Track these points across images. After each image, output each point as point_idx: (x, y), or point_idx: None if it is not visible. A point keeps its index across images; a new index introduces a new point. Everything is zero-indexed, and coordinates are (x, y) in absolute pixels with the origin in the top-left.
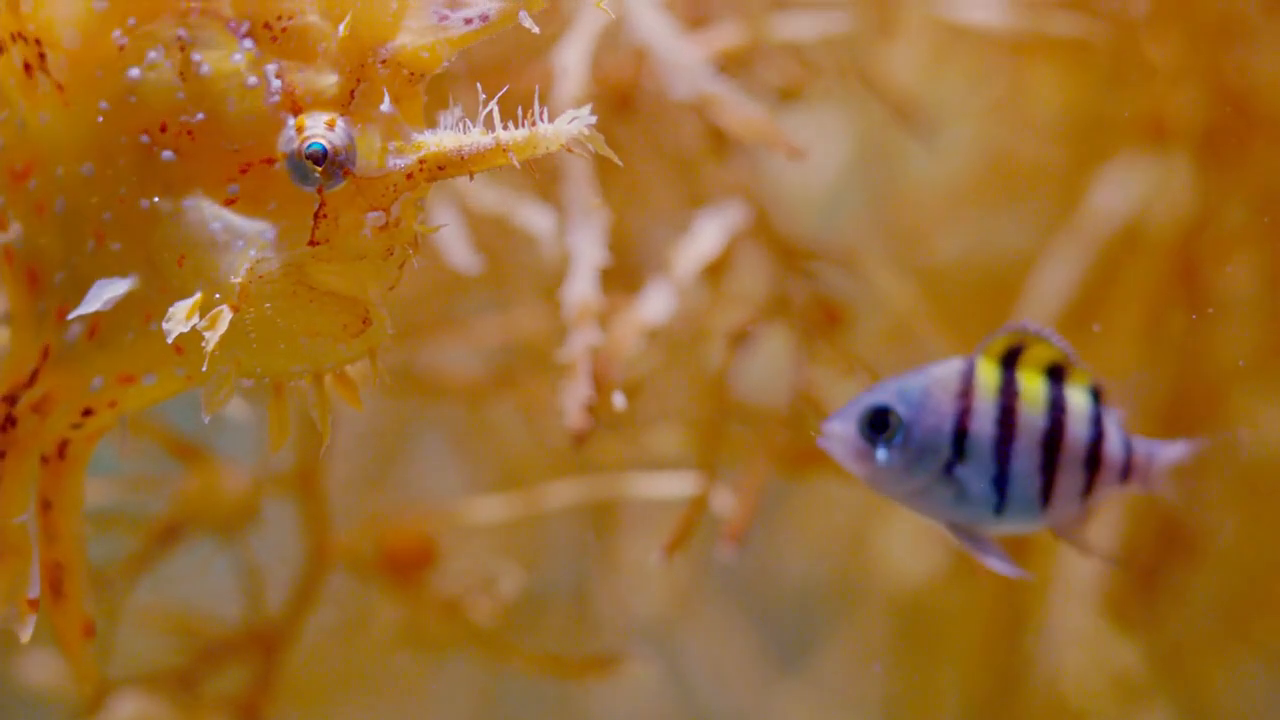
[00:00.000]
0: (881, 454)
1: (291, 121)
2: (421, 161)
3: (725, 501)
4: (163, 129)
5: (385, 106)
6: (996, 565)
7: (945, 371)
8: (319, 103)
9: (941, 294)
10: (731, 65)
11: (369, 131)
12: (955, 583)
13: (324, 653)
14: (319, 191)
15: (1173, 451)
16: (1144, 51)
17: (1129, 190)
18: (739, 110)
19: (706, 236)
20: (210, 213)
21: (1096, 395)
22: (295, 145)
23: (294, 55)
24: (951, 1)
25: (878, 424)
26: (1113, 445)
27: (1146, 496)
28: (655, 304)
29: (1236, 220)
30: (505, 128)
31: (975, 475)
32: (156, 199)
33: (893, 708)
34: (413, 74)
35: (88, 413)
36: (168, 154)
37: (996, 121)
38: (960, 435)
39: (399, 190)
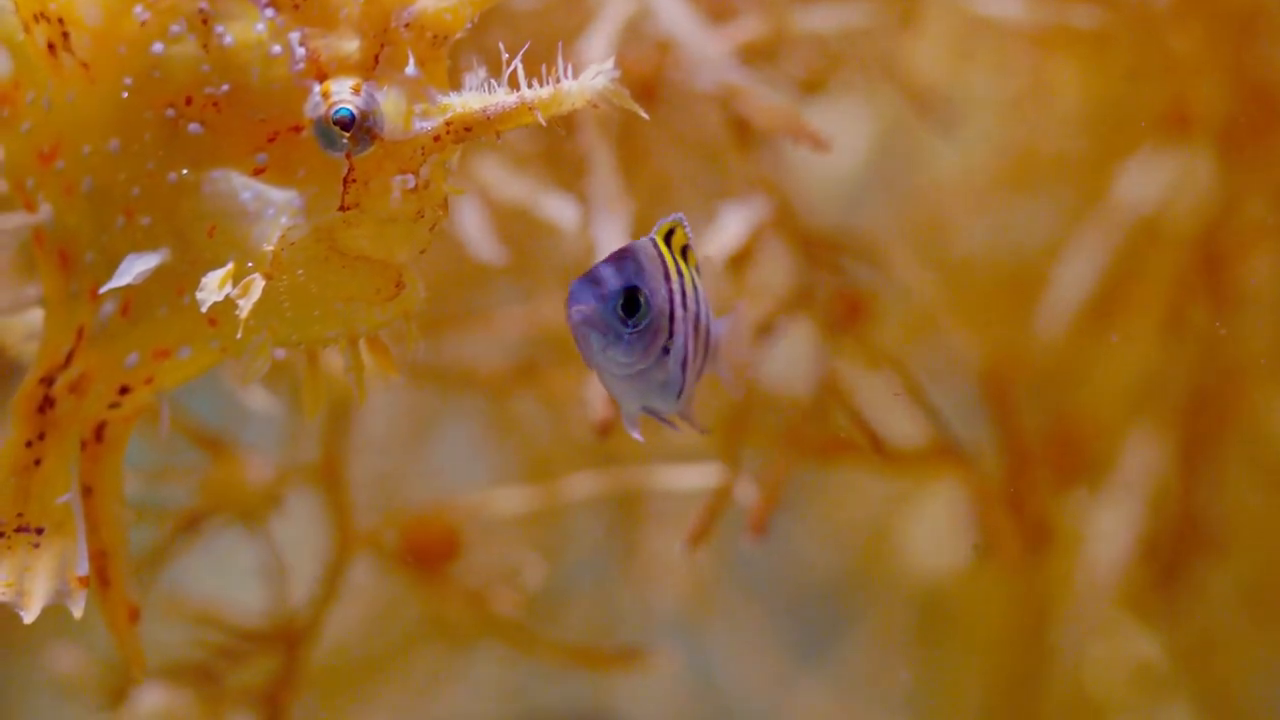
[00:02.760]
0: (627, 336)
1: (317, 88)
2: (448, 123)
3: (749, 492)
4: (188, 102)
5: (410, 70)
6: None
7: (651, 252)
8: (344, 68)
9: (963, 286)
10: (754, 57)
11: (395, 95)
12: (977, 575)
13: (348, 644)
14: (347, 157)
15: (741, 322)
16: (1166, 44)
17: (1151, 183)
18: (763, 101)
19: (730, 229)
20: (239, 183)
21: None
22: (322, 111)
23: (316, 22)
24: None
25: (629, 305)
26: (715, 325)
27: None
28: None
29: (1258, 213)
30: (530, 87)
31: (676, 357)
32: (184, 171)
33: (915, 699)
34: (436, 37)
35: (124, 390)
36: (194, 126)
37: (1018, 114)
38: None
39: (427, 153)
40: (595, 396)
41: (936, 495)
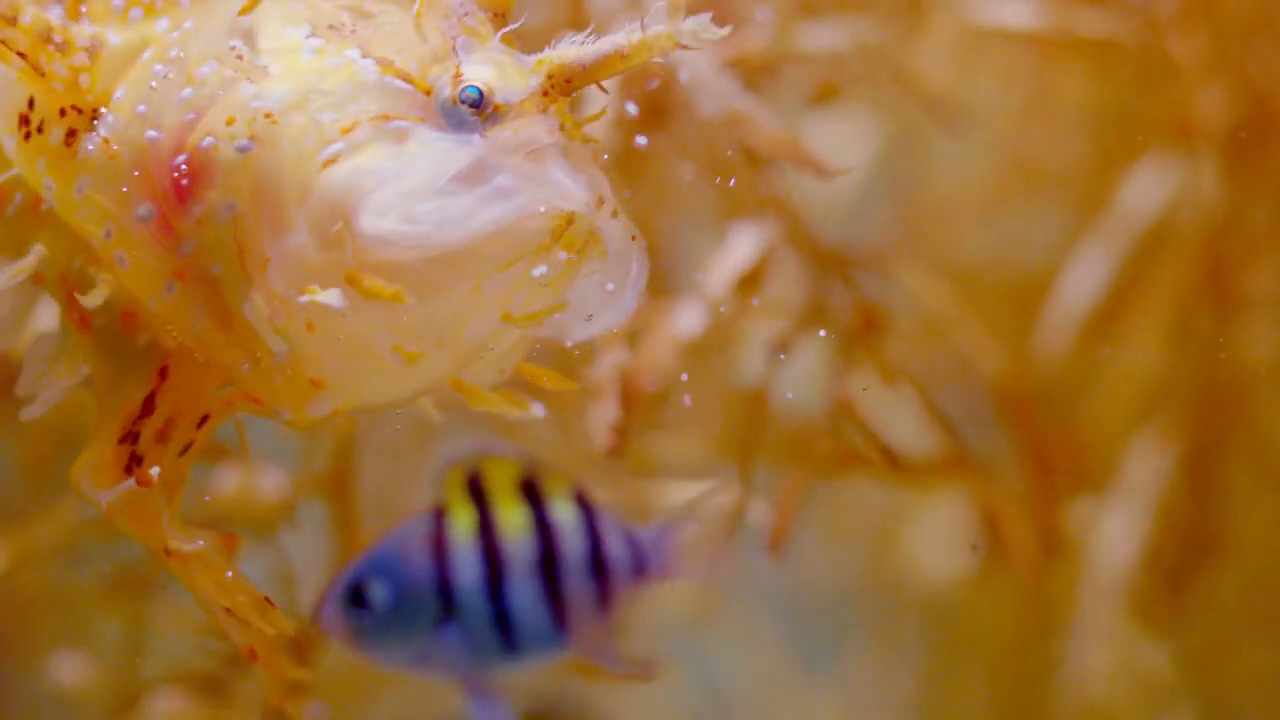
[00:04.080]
0: (367, 626)
1: (445, 77)
2: (550, 76)
3: (763, 511)
4: (229, 123)
5: (494, 43)
6: (493, 714)
7: (416, 527)
8: (429, 63)
9: (969, 294)
10: (760, 69)
11: (493, 64)
12: (983, 584)
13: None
14: (482, 135)
15: (683, 533)
16: (1170, 52)
17: (1156, 191)
18: (766, 128)
19: (740, 249)
20: (339, 173)
21: (582, 499)
22: (448, 94)
23: (375, 37)
24: (980, 2)
25: (357, 598)
26: (615, 547)
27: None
28: (689, 319)
29: (1263, 220)
30: None
31: (470, 626)
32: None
33: (921, 708)
34: (495, 14)
35: (203, 421)
36: (244, 144)
37: (1024, 121)
38: (444, 589)
39: (543, 109)
40: (599, 427)
41: (942, 503)
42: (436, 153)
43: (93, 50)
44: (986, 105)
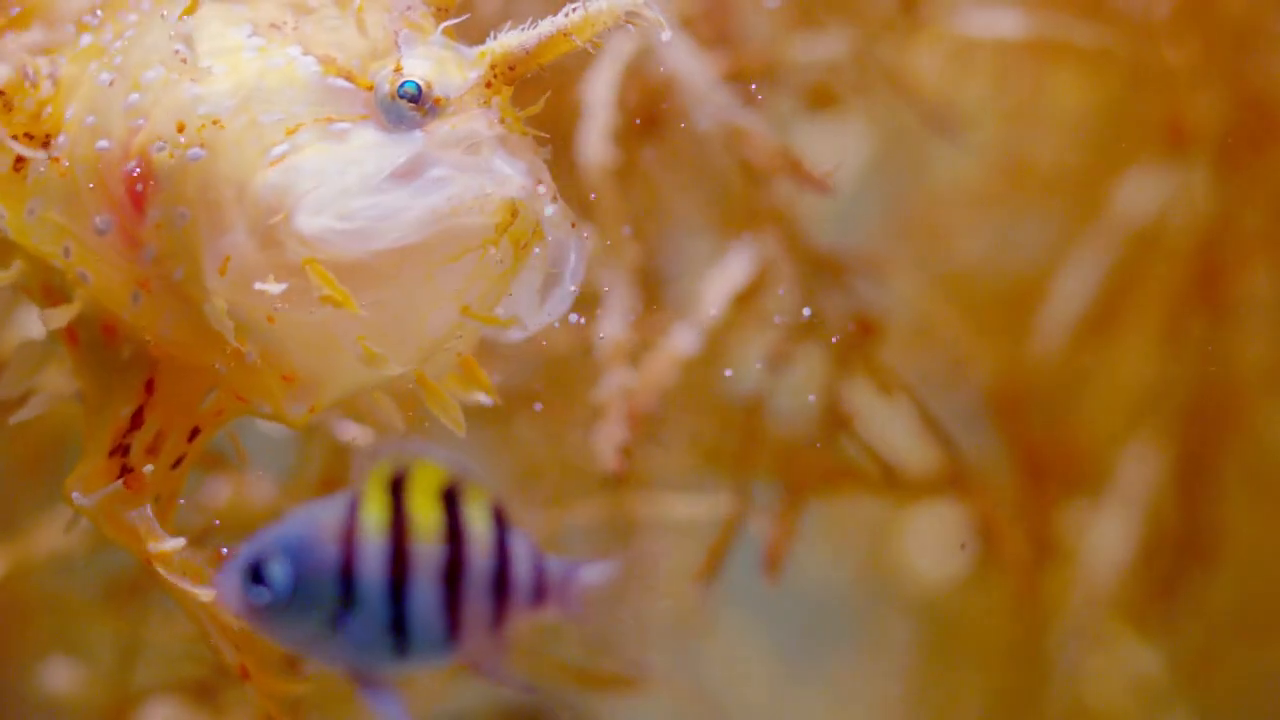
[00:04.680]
0: (265, 606)
1: (386, 73)
2: (493, 66)
3: (760, 523)
4: (180, 129)
5: (436, 36)
6: (386, 711)
7: (328, 513)
8: (370, 60)
9: (963, 298)
10: (756, 76)
11: (434, 58)
12: (976, 587)
13: None
14: (422, 129)
15: (591, 573)
16: (1164, 56)
17: (1149, 195)
18: (764, 143)
19: (736, 265)
20: (276, 173)
21: (499, 515)
22: (386, 90)
23: (316, 35)
24: (973, 11)
25: (258, 576)
26: (520, 569)
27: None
28: (686, 338)
29: (1256, 225)
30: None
31: (367, 621)
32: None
33: (915, 712)
34: (439, 8)
35: (194, 435)
36: (196, 152)
37: (1018, 126)
38: (347, 581)
39: (485, 101)
40: (606, 448)
41: (935, 507)
42: (374, 150)
43: (55, 77)
44: (980, 110)
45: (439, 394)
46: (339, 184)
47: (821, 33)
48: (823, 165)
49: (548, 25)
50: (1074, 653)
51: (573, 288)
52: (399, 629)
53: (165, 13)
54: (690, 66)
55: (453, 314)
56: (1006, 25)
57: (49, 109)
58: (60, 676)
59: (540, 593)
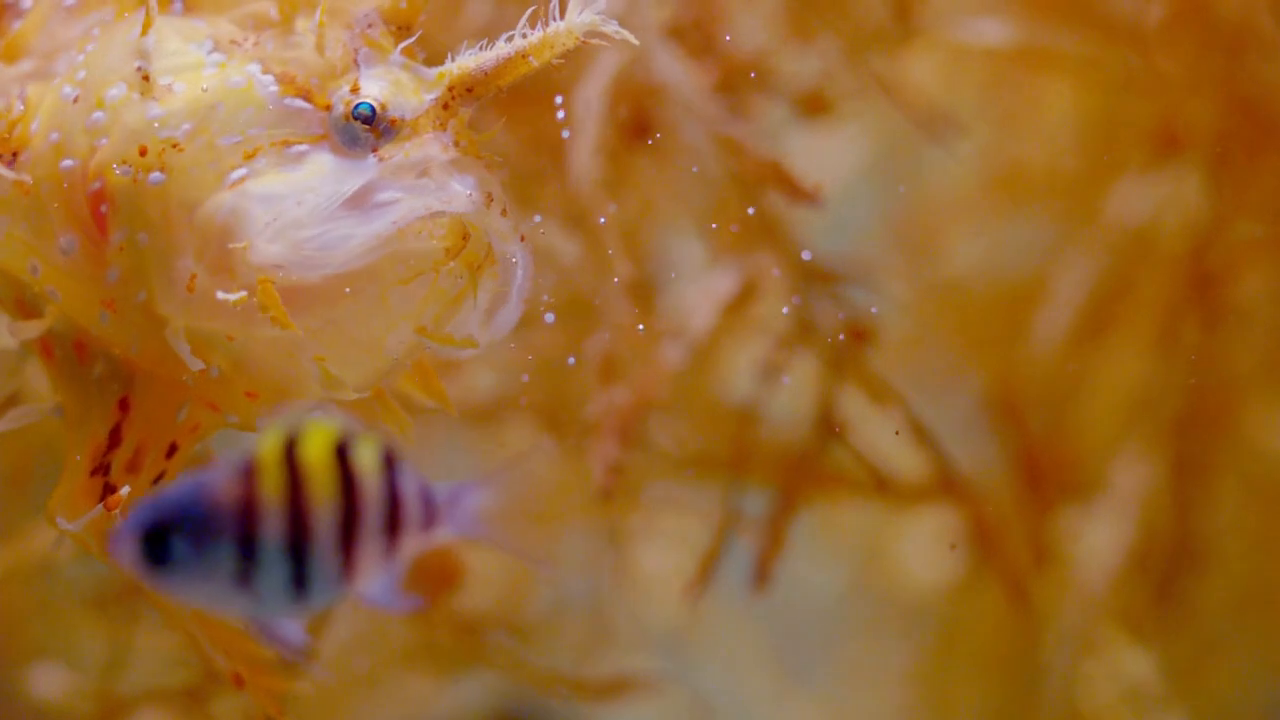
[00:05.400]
0: (160, 566)
1: (342, 92)
2: (450, 88)
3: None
4: (142, 152)
5: (395, 56)
6: (289, 651)
7: (221, 474)
8: (328, 78)
9: (957, 304)
10: (748, 82)
11: (392, 79)
12: (971, 592)
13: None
14: (374, 151)
15: (479, 492)
16: (1156, 62)
17: (1143, 200)
18: (753, 154)
19: (727, 278)
20: (228, 199)
21: (390, 459)
22: (340, 111)
23: (275, 53)
24: (966, 18)
25: (157, 536)
26: (409, 498)
27: None
28: (676, 350)
29: (1248, 230)
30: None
31: (268, 574)
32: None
33: (909, 717)
34: (400, 28)
35: (172, 452)
36: (156, 176)
37: (1010, 132)
38: (244, 537)
39: (443, 122)
40: (598, 466)
41: (931, 512)
42: (327, 178)
43: (24, 96)
44: (973, 116)
45: (391, 407)
46: (292, 214)
47: (813, 40)
48: (815, 173)
49: (507, 47)
50: (1068, 658)
51: (519, 304)
52: (299, 580)
53: (126, 26)
54: (679, 76)
55: (409, 334)
56: (999, 33)
57: (19, 128)
58: (49, 682)
59: (430, 521)
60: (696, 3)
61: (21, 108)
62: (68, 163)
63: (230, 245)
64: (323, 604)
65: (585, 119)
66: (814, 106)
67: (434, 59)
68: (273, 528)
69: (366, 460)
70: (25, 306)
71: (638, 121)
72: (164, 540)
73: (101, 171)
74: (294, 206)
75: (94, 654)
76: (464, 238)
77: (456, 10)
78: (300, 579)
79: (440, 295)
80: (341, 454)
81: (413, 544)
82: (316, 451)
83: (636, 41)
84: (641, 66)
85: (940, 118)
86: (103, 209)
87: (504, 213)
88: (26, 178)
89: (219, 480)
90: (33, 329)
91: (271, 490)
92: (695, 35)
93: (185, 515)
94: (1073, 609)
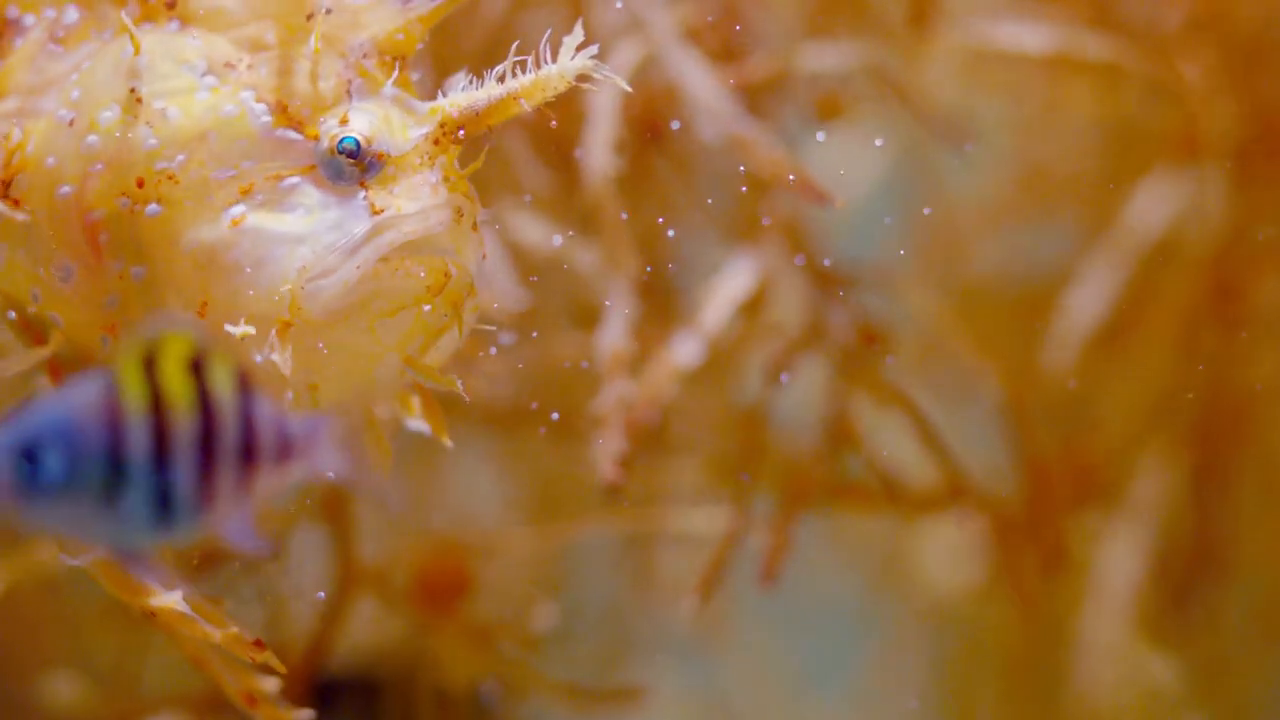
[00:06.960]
0: (31, 492)
1: (330, 124)
2: (441, 125)
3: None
4: (139, 184)
5: (389, 89)
6: (154, 581)
7: (86, 394)
8: (320, 108)
9: (976, 309)
10: (766, 86)
11: (383, 114)
12: (990, 597)
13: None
14: (361, 185)
15: (333, 424)
16: (1177, 67)
17: (1163, 206)
18: (767, 154)
19: (740, 275)
20: (225, 237)
21: (244, 381)
22: (325, 146)
23: (269, 80)
24: (986, 21)
25: (24, 460)
26: (264, 431)
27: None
28: (687, 348)
29: (1270, 235)
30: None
31: (134, 497)
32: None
33: None
34: (395, 58)
35: None
36: (152, 208)
37: (1031, 136)
38: (114, 460)
39: (431, 159)
40: (604, 459)
41: (949, 517)
42: (315, 217)
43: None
44: (993, 120)
45: (376, 431)
46: (284, 257)
47: (832, 43)
48: (834, 178)
49: (498, 88)
50: (1089, 663)
51: (469, 324)
52: (163, 505)
53: (119, 45)
54: (695, 78)
55: (397, 364)
56: (1019, 37)
57: (18, 155)
58: (64, 689)
59: (284, 451)
60: (715, 4)
61: (20, 135)
62: (64, 189)
63: (253, 288)
64: (184, 531)
65: (600, 117)
66: (831, 111)
67: (443, 73)
68: (138, 443)
69: (223, 384)
70: (31, 328)
71: (653, 122)
72: (35, 458)
73: (99, 201)
74: (287, 249)
75: (108, 661)
76: (445, 275)
77: (471, 20)
78: (164, 502)
79: (425, 328)
80: (197, 370)
81: (272, 478)
82: (174, 368)
83: (629, 88)
84: (657, 66)
85: (960, 123)
86: (101, 238)
87: (475, 229)
88: (25, 215)
89: (84, 398)
90: (34, 356)
91: (135, 406)
92: (712, 38)
93: (57, 433)
94: (1093, 615)
